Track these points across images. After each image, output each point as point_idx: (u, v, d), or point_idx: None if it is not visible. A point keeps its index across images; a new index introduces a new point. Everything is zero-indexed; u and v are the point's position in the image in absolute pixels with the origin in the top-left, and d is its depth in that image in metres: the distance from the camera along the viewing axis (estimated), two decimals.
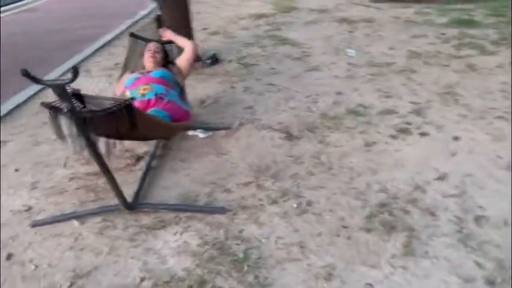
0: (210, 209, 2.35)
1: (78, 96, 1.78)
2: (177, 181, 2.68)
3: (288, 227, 2.23)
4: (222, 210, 2.34)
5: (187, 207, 2.37)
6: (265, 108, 3.65)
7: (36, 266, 2.05)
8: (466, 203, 2.34)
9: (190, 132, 3.25)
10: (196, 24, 6.61)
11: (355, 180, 2.61)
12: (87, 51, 5.75)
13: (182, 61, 3.17)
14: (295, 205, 2.40)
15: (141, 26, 3.42)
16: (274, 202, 2.43)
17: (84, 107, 1.80)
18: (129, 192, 2.49)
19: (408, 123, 3.27)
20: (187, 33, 4.54)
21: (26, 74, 1.65)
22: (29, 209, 2.49)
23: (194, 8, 8.04)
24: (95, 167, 2.85)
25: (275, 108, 3.66)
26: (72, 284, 1.92)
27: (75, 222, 2.32)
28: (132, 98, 2.68)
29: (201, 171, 2.78)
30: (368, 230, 2.17)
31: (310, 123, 3.35)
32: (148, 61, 3.07)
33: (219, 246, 2.11)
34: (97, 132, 1.90)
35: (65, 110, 1.73)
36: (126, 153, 3.02)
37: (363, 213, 2.31)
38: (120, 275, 1.97)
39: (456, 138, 3.03)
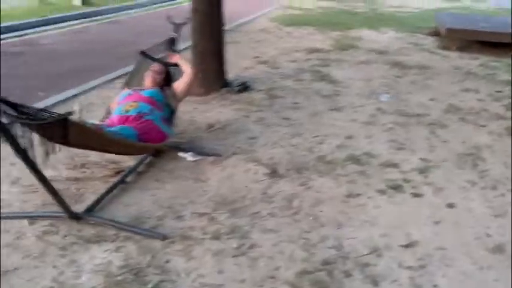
0: (150, 234, 2.33)
1: (10, 103, 1.88)
2: (140, 200, 2.70)
3: (215, 267, 2.13)
4: (160, 237, 2.30)
5: (130, 228, 2.36)
6: (266, 141, 3.57)
7: None
8: (421, 280, 2.06)
9: (181, 154, 3.28)
10: (251, 52, 6.84)
11: (314, 231, 2.43)
12: None
13: (179, 85, 3.23)
14: (235, 245, 2.29)
15: (154, 45, 3.57)
16: (216, 238, 2.34)
17: (18, 114, 1.90)
18: (89, 202, 2.57)
19: (406, 181, 3.00)
20: (218, 60, 4.66)
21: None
22: None
23: (258, 36, 8.35)
24: (77, 173, 3.01)
25: (276, 142, 3.56)
26: None
27: (26, 222, 2.42)
28: (119, 113, 2.83)
29: (167, 194, 2.77)
30: (293, 287, 1.99)
31: (302, 164, 3.21)
32: (147, 80, 3.18)
33: (136, 271, 2.07)
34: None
35: None
36: (111, 165, 3.11)
37: (300, 267, 2.13)
38: (33, 282, 2.01)
39: (450, 206, 2.71)
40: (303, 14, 12.00)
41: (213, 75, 4.64)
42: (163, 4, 14.41)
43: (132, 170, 3.00)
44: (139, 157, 3.15)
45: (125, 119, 2.79)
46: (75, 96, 4.58)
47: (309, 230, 2.44)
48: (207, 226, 2.44)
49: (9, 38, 7.81)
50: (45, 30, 8.74)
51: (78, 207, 2.53)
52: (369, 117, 4.20)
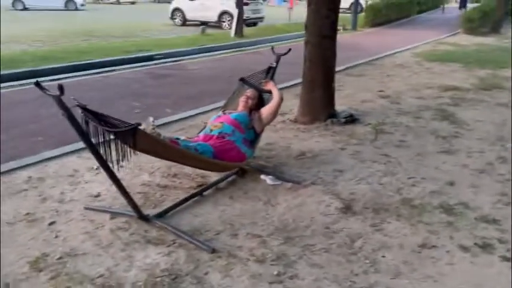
0: (201, 245, 2.44)
1: (92, 112, 2.21)
2: (208, 213, 2.86)
3: None
4: (209, 250, 2.40)
5: (186, 236, 2.51)
6: (352, 176, 3.43)
7: (57, 235, 2.58)
8: None
9: (262, 176, 3.36)
10: (376, 86, 6.68)
11: (364, 275, 2.25)
12: None
13: (265, 110, 3.34)
14: (276, 272, 2.25)
15: (254, 73, 3.75)
16: (260, 261, 2.34)
17: (98, 122, 2.22)
18: (165, 208, 2.84)
19: (501, 241, 2.56)
20: (327, 90, 4.66)
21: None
22: (98, 195, 3.09)
23: (392, 71, 8.05)
24: (168, 181, 3.33)
25: (363, 178, 3.39)
26: (60, 258, 2.35)
27: (108, 216, 2.78)
28: (205, 132, 3.07)
29: (234, 212, 2.87)
30: None
31: (382, 204, 2.99)
32: (240, 104, 3.37)
33: (174, 277, 2.20)
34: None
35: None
36: (199, 178, 3.36)
37: None
38: (91, 267, 2.29)
39: None
40: (455, 50, 11.15)
41: (320, 105, 4.65)
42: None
43: (211, 185, 3.20)
44: (223, 174, 3.34)
45: (209, 138, 3.01)
46: (194, 115, 5.07)
47: (359, 273, 2.27)
48: (256, 248, 2.46)
49: (167, 63, 9.05)
50: (198, 58, 9.87)
51: (152, 211, 2.81)
52: (484, 165, 3.69)
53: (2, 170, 3.40)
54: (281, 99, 3.35)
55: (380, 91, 6.34)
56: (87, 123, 2.24)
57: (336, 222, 2.77)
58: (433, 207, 2.96)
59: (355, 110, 5.25)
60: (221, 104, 5.55)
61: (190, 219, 2.78)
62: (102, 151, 2.32)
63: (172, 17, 18.08)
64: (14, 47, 10.44)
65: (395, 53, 10.30)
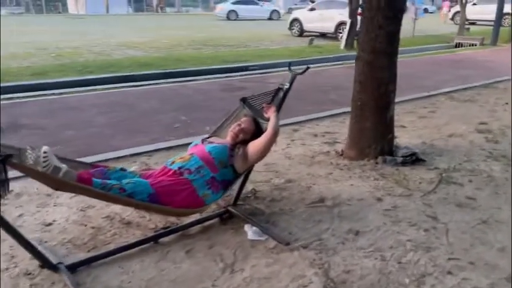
0: None
1: None
2: (140, 271, 2.26)
3: None
4: None
5: None
6: (368, 243, 2.50)
7: None
8: None
9: (246, 226, 2.65)
10: (481, 115, 5.32)
11: None
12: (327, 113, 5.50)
13: (252, 147, 2.59)
14: None
15: (261, 93, 3.03)
16: None
17: None
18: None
19: None
20: (382, 118, 3.70)
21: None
22: (50, 224, 2.73)
23: (463, 108, 6.28)
24: (138, 216, 2.85)
25: (379, 250, 2.44)
26: None
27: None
28: (165, 163, 2.51)
29: (174, 275, 2.22)
30: None
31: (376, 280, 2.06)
32: (229, 134, 2.71)
33: None
34: None
35: None
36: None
37: None
38: None
39: None
40: None
41: (371, 137, 3.68)
42: (432, 51, 13.25)
43: (176, 229, 2.61)
44: (202, 215, 2.73)
45: (163, 173, 2.42)
46: None
47: None
48: None
49: (252, 74, 8.66)
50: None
51: (80, 256, 2.33)
52: None
53: None
54: (275, 135, 2.55)
55: (482, 123, 4.97)
56: None
57: None
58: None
59: (431, 146, 4.13)
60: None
61: (112, 276, 2.20)
62: None
63: (290, 28, 17.83)
64: (128, 52, 11.22)
65: None
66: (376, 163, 3.63)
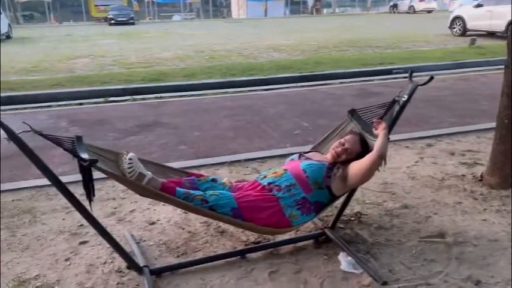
0: None
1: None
2: (219, 287, 2.20)
3: None
4: None
5: None
6: None
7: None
8: None
9: (341, 255, 2.38)
10: None
11: None
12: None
13: (353, 168, 2.23)
14: None
15: (374, 106, 2.60)
16: None
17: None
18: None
19: None
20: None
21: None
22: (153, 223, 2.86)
23: None
24: (232, 227, 2.81)
25: None
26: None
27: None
28: (257, 177, 2.40)
29: None
30: None
31: None
32: (330, 151, 2.44)
33: None
34: None
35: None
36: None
37: None
38: None
39: None
40: None
41: None
42: None
43: (264, 247, 2.47)
44: (296, 233, 2.55)
45: (254, 186, 2.29)
46: None
47: None
48: None
49: (391, 79, 7.99)
50: (441, 74, 8.30)
51: (169, 261, 2.36)
52: None
53: None
54: (380, 158, 2.17)
55: None
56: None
57: None
58: None
59: None
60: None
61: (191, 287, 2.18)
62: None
63: (451, 27, 16.08)
64: (273, 55, 11.50)
65: None
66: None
